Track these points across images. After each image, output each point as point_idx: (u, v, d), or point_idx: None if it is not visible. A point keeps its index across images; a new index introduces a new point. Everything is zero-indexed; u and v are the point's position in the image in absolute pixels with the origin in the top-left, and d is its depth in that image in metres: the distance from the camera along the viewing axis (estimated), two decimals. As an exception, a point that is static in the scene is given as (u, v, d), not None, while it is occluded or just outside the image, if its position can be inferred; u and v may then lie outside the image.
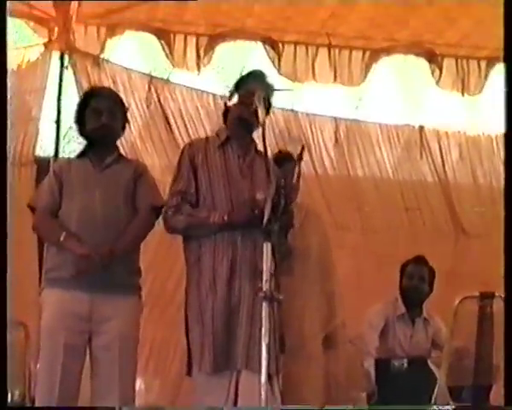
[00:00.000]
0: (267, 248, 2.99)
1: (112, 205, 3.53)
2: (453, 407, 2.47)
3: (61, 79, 5.17)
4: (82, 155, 3.69)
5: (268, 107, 3.46)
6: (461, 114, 6.12)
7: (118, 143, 3.77)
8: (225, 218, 3.31)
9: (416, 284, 4.74)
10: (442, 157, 6.15)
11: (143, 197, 3.61)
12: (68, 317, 3.41)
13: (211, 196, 3.42)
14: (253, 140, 3.56)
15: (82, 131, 3.70)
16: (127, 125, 3.81)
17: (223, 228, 3.33)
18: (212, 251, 3.37)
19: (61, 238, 3.42)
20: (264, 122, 3.18)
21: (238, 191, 3.40)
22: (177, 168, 3.51)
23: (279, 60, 5.52)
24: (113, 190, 3.56)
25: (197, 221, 3.39)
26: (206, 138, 3.64)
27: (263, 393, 2.92)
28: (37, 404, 3.47)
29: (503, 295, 3.18)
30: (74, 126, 3.78)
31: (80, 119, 3.68)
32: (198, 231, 3.41)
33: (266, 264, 2.98)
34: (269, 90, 3.46)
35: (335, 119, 5.90)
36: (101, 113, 3.60)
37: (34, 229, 3.61)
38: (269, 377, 3.09)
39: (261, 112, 3.22)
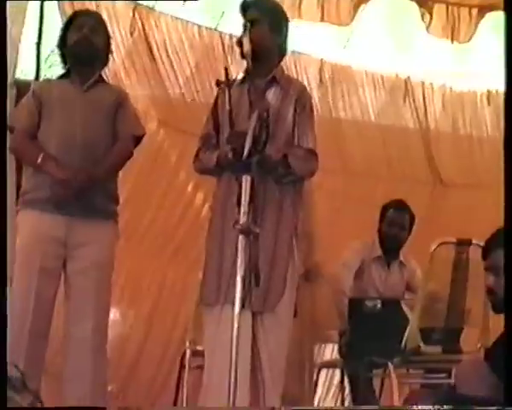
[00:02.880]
0: (246, 180, 2.98)
1: (92, 128, 3.49)
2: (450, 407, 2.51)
3: (42, 5, 5.04)
4: (63, 76, 3.63)
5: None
6: (448, 62, 6.10)
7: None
8: (229, 155, 3.22)
9: (395, 232, 4.71)
10: (425, 106, 6.15)
11: (124, 125, 3.58)
12: (44, 240, 3.39)
13: (223, 135, 3.34)
14: (268, 73, 3.41)
15: (64, 53, 3.63)
16: (110, 55, 3.76)
17: (231, 165, 3.23)
18: (223, 188, 3.33)
19: (39, 160, 3.38)
20: (252, 50, 3.11)
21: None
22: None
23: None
24: (93, 114, 3.52)
25: (210, 162, 3.36)
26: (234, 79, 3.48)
27: (236, 324, 2.94)
28: (9, 327, 3.45)
29: (480, 244, 3.21)
30: (56, 51, 3.72)
31: (63, 41, 3.61)
32: (215, 171, 3.37)
33: (245, 197, 2.97)
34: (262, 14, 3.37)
35: (321, 59, 5.86)
36: (82, 27, 3.56)
37: (12, 150, 3.55)
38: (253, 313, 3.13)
39: (245, 41, 3.16)
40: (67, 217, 3.40)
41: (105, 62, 3.73)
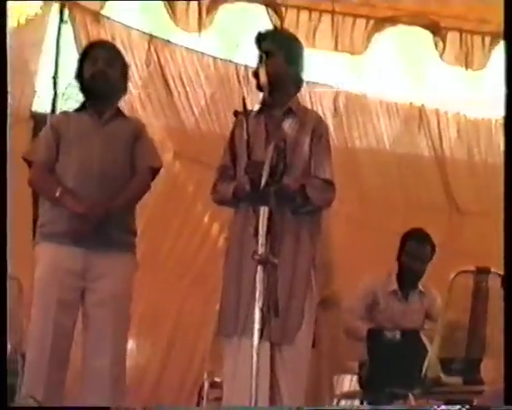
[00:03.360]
0: (264, 211, 2.98)
1: (109, 161, 3.49)
2: (467, 406, 2.46)
3: (59, 34, 5.10)
4: (80, 109, 3.64)
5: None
6: (462, 89, 6.10)
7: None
8: (246, 187, 3.22)
9: (416, 266, 4.64)
10: (440, 133, 6.15)
11: (142, 158, 3.58)
12: (62, 272, 3.39)
13: (240, 166, 3.34)
14: (284, 104, 3.41)
15: (81, 85, 3.64)
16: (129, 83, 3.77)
17: (248, 196, 3.23)
18: (240, 219, 3.32)
19: (57, 194, 3.38)
20: (268, 81, 3.12)
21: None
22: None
23: (281, 24, 5.45)
24: (111, 147, 3.52)
25: (227, 193, 3.36)
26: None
27: (255, 356, 2.93)
28: (27, 359, 3.45)
29: (499, 272, 3.18)
30: (73, 83, 3.74)
31: (80, 72, 3.62)
32: (232, 202, 3.37)
33: (262, 228, 2.97)
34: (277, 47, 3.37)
35: (335, 89, 5.87)
36: (97, 60, 3.56)
37: (30, 183, 3.57)
38: (271, 344, 3.11)
39: (261, 73, 3.17)
40: (85, 250, 3.40)
41: (123, 92, 3.72)
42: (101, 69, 3.53)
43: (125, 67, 3.69)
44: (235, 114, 3.30)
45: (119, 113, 3.67)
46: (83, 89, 3.62)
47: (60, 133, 3.53)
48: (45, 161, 3.51)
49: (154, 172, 3.62)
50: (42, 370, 3.34)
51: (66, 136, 3.52)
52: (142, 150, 3.58)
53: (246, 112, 3.22)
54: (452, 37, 5.79)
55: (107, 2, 5.20)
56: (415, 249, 4.64)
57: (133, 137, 3.58)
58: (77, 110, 3.66)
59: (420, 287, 4.74)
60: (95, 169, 3.45)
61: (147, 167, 3.58)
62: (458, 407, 2.50)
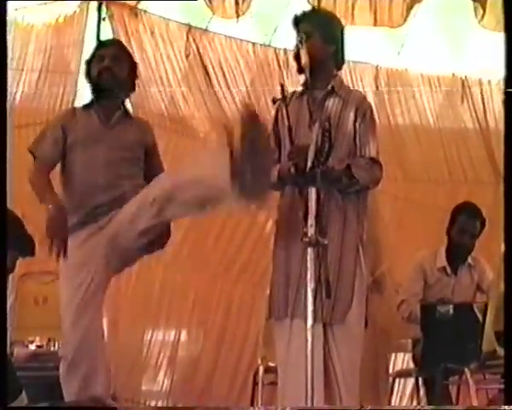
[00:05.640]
0: (311, 193, 2.99)
1: (116, 168, 3.48)
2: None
3: (98, 31, 5.14)
4: (88, 106, 3.61)
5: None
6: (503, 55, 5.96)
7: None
8: (292, 170, 3.22)
9: (466, 241, 4.62)
10: (484, 104, 6.05)
11: (156, 171, 3.56)
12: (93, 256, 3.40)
13: (284, 150, 3.35)
14: (326, 84, 3.40)
15: (90, 84, 3.62)
16: (164, 75, 3.77)
17: (294, 178, 3.23)
18: (287, 202, 3.33)
19: (50, 206, 3.29)
20: (309, 63, 3.10)
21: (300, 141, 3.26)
22: None
23: (319, 4, 5.40)
24: (118, 153, 3.51)
25: (272, 176, 3.31)
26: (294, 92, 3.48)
27: (309, 338, 2.94)
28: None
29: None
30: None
31: (88, 72, 3.62)
32: (277, 186, 3.35)
33: (311, 209, 2.98)
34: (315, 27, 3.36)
35: (376, 66, 5.82)
36: (103, 58, 3.56)
37: (29, 179, 3.51)
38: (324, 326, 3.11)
39: (303, 54, 3.17)
40: None
41: (130, 90, 3.70)
42: (108, 66, 3.53)
43: (132, 64, 3.68)
44: (274, 101, 3.30)
45: (127, 114, 3.65)
46: (90, 87, 3.61)
47: (67, 131, 3.51)
48: (48, 158, 3.49)
49: None
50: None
51: (74, 135, 3.50)
52: (155, 162, 3.61)
53: (285, 98, 3.22)
54: (492, 0, 5.66)
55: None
56: (465, 224, 4.62)
57: (143, 146, 3.58)
58: (85, 107, 3.62)
59: (469, 260, 4.71)
60: (101, 175, 3.45)
61: None
62: None
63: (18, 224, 2.00)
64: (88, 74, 3.62)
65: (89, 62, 3.64)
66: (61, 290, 3.45)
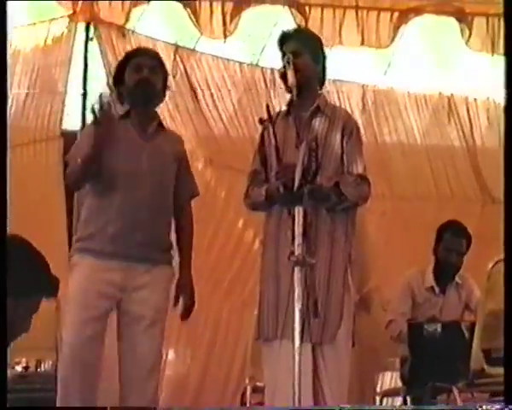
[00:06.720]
0: (298, 212, 2.98)
1: (157, 179, 3.47)
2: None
3: (86, 51, 5.15)
4: (123, 116, 3.53)
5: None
6: (490, 76, 6.02)
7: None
8: (280, 189, 3.21)
9: (453, 260, 4.62)
10: (470, 122, 6.09)
11: (185, 187, 3.58)
12: (99, 282, 3.38)
13: (271, 170, 3.35)
14: (312, 103, 3.41)
15: (121, 93, 3.57)
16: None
17: (282, 197, 3.22)
18: (274, 221, 3.33)
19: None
20: (296, 82, 3.12)
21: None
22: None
23: (306, 24, 5.44)
24: (158, 167, 3.48)
25: (259, 197, 3.36)
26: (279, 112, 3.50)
27: (297, 357, 2.92)
28: (59, 369, 3.48)
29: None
30: (111, 90, 3.69)
31: (119, 79, 3.56)
32: (264, 206, 3.37)
33: (298, 228, 2.97)
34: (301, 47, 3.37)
35: (363, 85, 5.86)
36: (142, 68, 3.51)
37: (66, 178, 3.54)
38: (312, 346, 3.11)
39: (290, 74, 3.18)
40: (124, 263, 3.42)
41: (162, 100, 3.67)
42: (147, 77, 3.48)
43: (166, 74, 3.66)
44: (261, 121, 3.30)
45: (162, 126, 3.63)
46: (125, 96, 3.55)
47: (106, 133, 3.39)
48: (89, 157, 3.37)
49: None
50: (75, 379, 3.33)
51: (113, 139, 3.40)
52: (184, 179, 3.59)
53: (271, 119, 3.22)
54: (478, 22, 5.71)
55: (131, 16, 5.23)
56: (451, 242, 4.62)
57: (177, 160, 3.56)
58: (120, 117, 3.52)
59: (457, 279, 4.71)
60: (143, 185, 3.43)
61: (188, 198, 3.62)
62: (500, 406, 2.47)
63: (44, 265, 1.98)
64: (120, 81, 3.56)
65: (121, 68, 3.57)
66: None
